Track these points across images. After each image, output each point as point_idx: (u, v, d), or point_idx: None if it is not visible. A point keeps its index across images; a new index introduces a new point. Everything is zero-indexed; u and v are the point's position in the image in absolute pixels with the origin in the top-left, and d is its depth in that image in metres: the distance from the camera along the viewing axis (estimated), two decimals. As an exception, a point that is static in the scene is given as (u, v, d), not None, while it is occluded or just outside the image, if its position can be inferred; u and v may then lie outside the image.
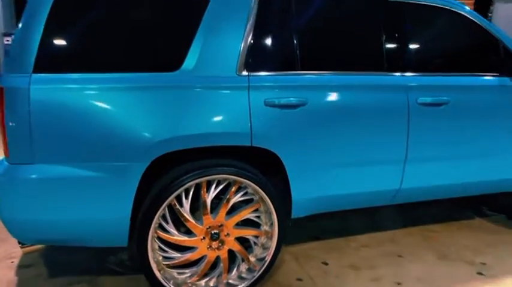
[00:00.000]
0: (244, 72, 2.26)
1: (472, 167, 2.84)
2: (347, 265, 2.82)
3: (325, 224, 3.32)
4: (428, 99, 2.59)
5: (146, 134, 2.08)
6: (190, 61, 2.18)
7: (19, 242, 2.25)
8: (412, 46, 2.69)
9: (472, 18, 2.83)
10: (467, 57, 2.85)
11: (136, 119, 2.08)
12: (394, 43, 2.60)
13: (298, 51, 2.38)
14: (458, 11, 2.80)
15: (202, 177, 2.20)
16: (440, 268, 2.81)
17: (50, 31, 2.02)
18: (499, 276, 2.72)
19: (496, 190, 3.09)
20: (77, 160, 2.04)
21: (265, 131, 2.27)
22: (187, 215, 2.26)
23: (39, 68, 2.00)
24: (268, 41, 2.36)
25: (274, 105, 2.28)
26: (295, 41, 2.38)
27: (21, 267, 2.73)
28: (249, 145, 2.25)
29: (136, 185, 2.11)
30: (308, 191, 2.46)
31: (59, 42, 2.06)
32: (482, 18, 2.88)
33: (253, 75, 2.28)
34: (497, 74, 2.83)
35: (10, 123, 1.97)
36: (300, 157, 2.37)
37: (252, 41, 2.29)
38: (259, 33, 2.31)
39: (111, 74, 2.08)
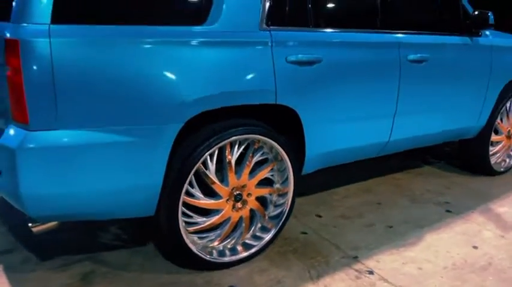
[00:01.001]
0: (266, 28, 2.20)
1: (444, 118, 3.18)
2: (338, 215, 2.99)
3: (308, 181, 3.44)
4: (416, 57, 2.80)
5: (181, 92, 1.93)
6: (213, 16, 2.06)
7: (30, 221, 1.96)
8: (400, 6, 2.86)
9: None
10: (437, 17, 3.13)
11: (169, 76, 1.92)
12: (387, 3, 2.73)
13: (311, 9, 2.38)
14: None
15: (231, 137, 2.13)
16: (416, 210, 3.13)
17: None
18: (463, 211, 3.13)
19: (456, 137, 3.51)
20: (105, 124, 1.83)
21: (287, 88, 2.26)
22: (214, 178, 2.18)
23: (58, 17, 1.72)
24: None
25: (293, 62, 2.27)
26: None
27: (2, 253, 2.38)
28: (274, 102, 2.23)
29: (170, 149, 1.97)
30: (319, 147, 2.53)
31: None
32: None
33: (274, 31, 2.23)
34: (459, 33, 3.17)
35: (29, 83, 1.68)
36: (314, 113, 2.41)
37: None
38: None
39: (137, 26, 1.88)
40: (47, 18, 1.70)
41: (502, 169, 3.86)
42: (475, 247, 2.65)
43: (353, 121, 2.63)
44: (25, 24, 1.69)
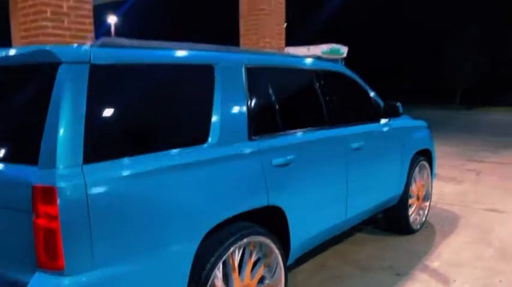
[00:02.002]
0: (253, 137, 2.43)
1: (378, 192, 3.68)
2: (310, 296, 3.17)
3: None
4: (357, 145, 3.27)
5: (202, 210, 2.03)
6: (214, 134, 2.23)
7: None
8: (338, 104, 3.34)
9: (355, 79, 3.70)
10: (360, 110, 3.70)
11: (189, 198, 2.00)
12: (329, 102, 3.19)
13: (279, 115, 2.69)
14: (345, 73, 3.62)
15: (237, 243, 2.23)
16: (369, 279, 3.47)
17: (94, 113, 1.76)
18: (408, 271, 3.56)
19: (387, 206, 4.02)
20: (137, 253, 1.80)
21: (275, 189, 2.47)
22: (222, 282, 2.23)
23: (89, 156, 1.72)
24: (262, 108, 2.59)
25: (277, 165, 2.51)
26: (276, 107, 2.68)
27: None
28: (266, 204, 2.41)
29: (191, 264, 2.00)
30: (301, 236, 2.74)
31: (105, 124, 1.80)
32: (356, 76, 3.78)
33: (258, 139, 2.46)
34: (377, 121, 3.77)
35: (67, 228, 1.62)
36: (295, 207, 2.64)
37: (251, 108, 2.47)
38: (253, 102, 2.52)
39: (157, 153, 1.95)
40: (80, 159, 1.69)
41: (418, 227, 4.50)
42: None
43: (321, 207, 2.93)
44: (58, 169, 1.65)
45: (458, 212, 5.16)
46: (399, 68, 35.69)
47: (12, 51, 1.96)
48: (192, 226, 2.01)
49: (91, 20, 4.74)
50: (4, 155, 1.83)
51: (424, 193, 4.61)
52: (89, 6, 4.70)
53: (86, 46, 1.89)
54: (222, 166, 2.21)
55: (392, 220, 4.35)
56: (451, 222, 4.77)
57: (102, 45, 1.93)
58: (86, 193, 1.67)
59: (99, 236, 1.70)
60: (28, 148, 1.76)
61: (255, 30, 7.16)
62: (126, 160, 1.83)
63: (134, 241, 1.80)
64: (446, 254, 3.90)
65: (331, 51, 8.52)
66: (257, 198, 2.37)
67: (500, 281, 3.38)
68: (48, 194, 1.62)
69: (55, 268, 1.64)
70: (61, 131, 1.67)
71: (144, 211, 1.84)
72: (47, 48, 1.80)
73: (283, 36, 7.52)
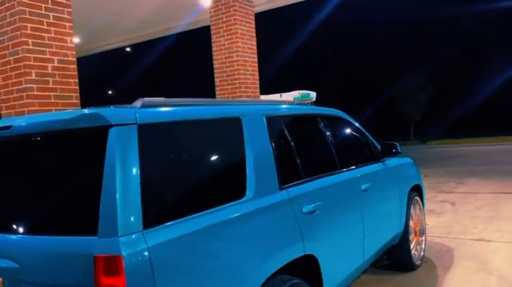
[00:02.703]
0: (283, 187, 2.43)
1: (385, 230, 3.74)
2: None
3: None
4: (365, 186, 3.34)
5: (253, 267, 1.98)
6: (250, 186, 2.22)
7: None
8: (345, 147, 3.43)
9: (353, 121, 3.84)
10: (362, 152, 3.81)
11: (241, 254, 1.96)
12: (338, 146, 3.27)
13: (300, 162, 2.72)
14: (344, 117, 3.75)
15: None
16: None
17: (147, 175, 1.71)
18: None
19: (391, 244, 4.06)
20: None
21: (308, 238, 2.46)
22: None
23: (147, 221, 1.65)
24: (285, 156, 2.62)
25: (306, 213, 2.51)
26: (296, 154, 2.71)
27: None
28: (303, 254, 2.39)
29: None
30: (332, 282, 2.71)
31: (158, 186, 1.75)
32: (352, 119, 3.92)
33: (288, 188, 2.47)
34: (376, 161, 3.89)
35: None
36: (326, 254, 2.63)
37: (277, 157, 2.49)
38: (277, 151, 2.54)
39: (207, 210, 1.92)
40: (140, 224, 1.63)
41: (419, 262, 4.56)
42: None
43: (346, 250, 2.94)
44: (121, 236, 1.58)
45: (449, 244, 5.29)
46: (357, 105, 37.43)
47: (50, 117, 1.90)
48: (244, 283, 1.96)
49: (76, 80, 4.67)
50: (56, 228, 1.73)
51: (419, 227, 4.72)
52: (74, 66, 4.64)
53: (130, 107, 1.87)
54: (262, 218, 2.20)
55: (396, 258, 4.39)
56: (446, 255, 4.88)
57: (143, 106, 1.91)
58: (150, 259, 1.59)
59: None
60: (83, 217, 1.68)
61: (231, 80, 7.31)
62: (180, 220, 1.78)
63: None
64: (455, 286, 3.97)
65: (302, 97, 8.77)
66: (295, 248, 2.35)
67: None
68: (113, 264, 1.53)
69: None
70: (119, 197, 1.61)
71: (201, 269, 1.79)
72: (97, 111, 1.76)
73: (257, 85, 7.71)
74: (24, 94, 4.32)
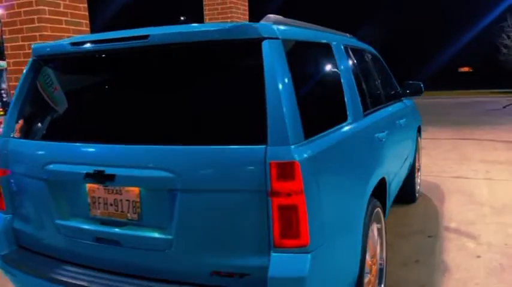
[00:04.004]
0: (365, 114, 2.62)
1: (409, 158, 4.07)
2: None
3: None
4: (400, 121, 3.59)
5: (370, 173, 2.38)
6: (349, 112, 2.37)
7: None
8: (384, 82, 3.61)
9: (381, 58, 4.01)
10: (392, 87, 4.01)
11: (363, 162, 2.32)
12: (382, 81, 3.45)
13: (367, 93, 2.87)
14: (375, 52, 3.90)
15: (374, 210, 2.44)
16: (410, 242, 3.82)
17: (297, 87, 1.78)
18: (439, 234, 4.00)
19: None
20: (340, 216, 1.94)
21: (383, 161, 2.68)
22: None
23: (306, 131, 1.75)
24: (359, 86, 2.75)
25: (379, 139, 2.72)
26: (363, 85, 2.84)
27: None
28: (382, 175, 2.62)
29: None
30: (390, 201, 3.06)
31: (305, 97, 1.82)
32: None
33: (367, 116, 2.65)
34: (399, 99, 4.12)
35: (311, 202, 1.64)
36: (390, 175, 2.93)
37: (359, 86, 2.67)
38: (356, 80, 2.67)
39: (334, 129, 2.13)
40: (302, 134, 1.71)
41: (417, 195, 5.01)
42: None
43: (397, 173, 3.30)
44: (293, 144, 1.65)
45: (435, 181, 5.83)
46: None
47: (202, 27, 1.86)
48: (365, 186, 2.22)
49: (85, 5, 4.35)
50: (220, 138, 1.76)
51: (419, 163, 5.14)
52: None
53: (268, 23, 1.87)
54: (361, 141, 2.35)
55: (404, 189, 4.76)
56: (435, 190, 5.39)
57: (275, 23, 1.92)
58: (313, 165, 1.70)
59: (325, 205, 1.75)
60: (248, 127, 1.72)
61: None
62: (322, 134, 1.90)
63: (339, 203, 1.90)
64: (455, 215, 4.44)
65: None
66: (379, 171, 2.54)
67: (506, 244, 3.98)
68: (288, 169, 1.61)
69: (297, 246, 1.65)
70: (286, 107, 1.67)
71: (341, 176, 1.97)
72: (249, 24, 1.75)
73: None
74: (35, 17, 3.97)
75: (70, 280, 1.96)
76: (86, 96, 2.20)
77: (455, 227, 4.14)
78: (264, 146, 1.66)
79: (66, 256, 2.11)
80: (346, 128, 2.19)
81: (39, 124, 2.29)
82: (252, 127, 1.71)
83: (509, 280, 3.11)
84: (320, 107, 2.06)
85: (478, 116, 13.19)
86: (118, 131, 1.98)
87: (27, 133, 2.26)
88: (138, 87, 2.03)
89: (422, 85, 4.15)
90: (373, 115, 2.78)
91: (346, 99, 2.34)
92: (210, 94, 1.85)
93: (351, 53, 2.79)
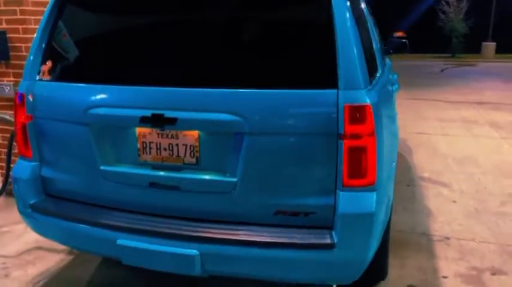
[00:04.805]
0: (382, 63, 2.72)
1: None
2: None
3: None
4: (391, 76, 3.76)
5: None
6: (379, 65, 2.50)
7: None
8: (379, 35, 3.75)
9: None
10: (382, 42, 4.17)
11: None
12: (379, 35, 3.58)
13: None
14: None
15: None
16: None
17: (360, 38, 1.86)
18: (415, 183, 4.34)
19: None
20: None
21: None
22: None
23: (369, 77, 1.86)
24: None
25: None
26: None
27: None
28: None
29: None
30: None
31: (364, 47, 1.91)
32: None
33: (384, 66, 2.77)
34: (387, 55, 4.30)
35: (379, 144, 1.76)
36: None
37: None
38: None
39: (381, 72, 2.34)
40: (368, 81, 1.81)
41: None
42: None
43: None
44: (364, 89, 1.74)
45: (402, 136, 6.19)
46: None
47: None
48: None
49: None
50: (292, 82, 1.79)
51: (390, 121, 5.46)
52: None
53: None
54: (388, 87, 2.52)
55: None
56: (404, 144, 5.76)
57: None
58: (379, 110, 1.82)
59: (384, 147, 1.86)
60: (320, 71, 1.77)
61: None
62: (376, 79, 2.02)
63: (388, 145, 2.03)
64: (426, 166, 4.83)
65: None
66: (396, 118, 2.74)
67: (479, 179, 4.43)
68: (361, 112, 1.70)
69: (364, 185, 1.77)
70: (357, 54, 1.74)
71: (388, 119, 2.09)
72: None
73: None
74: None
75: (123, 224, 1.94)
76: (141, 34, 2.07)
77: (428, 177, 4.52)
78: (335, 90, 1.72)
79: (109, 202, 2.08)
80: (382, 77, 2.31)
81: (77, 65, 2.15)
82: (323, 71, 1.76)
83: (486, 220, 3.51)
84: (369, 56, 2.14)
85: (421, 79, 13.95)
86: (179, 74, 1.93)
87: (59, 75, 2.13)
88: (206, 26, 1.96)
89: (407, 42, 4.32)
90: (385, 68, 2.91)
91: (376, 49, 2.45)
92: (281, 38, 1.86)
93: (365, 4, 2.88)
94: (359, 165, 1.74)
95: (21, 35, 3.72)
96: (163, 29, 2.03)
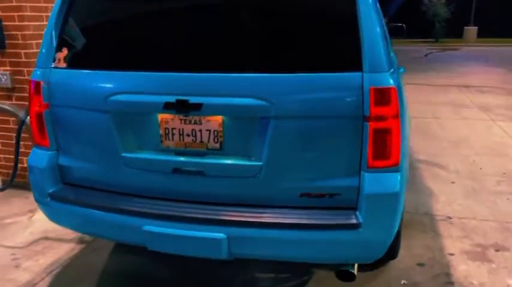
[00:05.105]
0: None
1: None
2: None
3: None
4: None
5: None
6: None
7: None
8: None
9: None
10: None
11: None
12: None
13: None
14: None
15: None
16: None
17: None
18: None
19: None
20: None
21: None
22: None
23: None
24: None
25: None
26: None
27: None
28: None
29: None
30: None
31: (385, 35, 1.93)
32: None
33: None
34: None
35: (402, 125, 1.81)
36: None
37: None
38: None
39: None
40: (388, 65, 1.83)
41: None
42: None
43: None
44: (388, 72, 1.78)
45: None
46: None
47: None
48: None
49: None
50: (317, 65, 1.81)
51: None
52: None
53: None
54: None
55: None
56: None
57: None
58: (401, 92, 1.86)
59: (404, 129, 1.90)
60: (344, 54, 1.80)
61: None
62: (392, 61, 2.03)
63: (406, 127, 2.04)
64: (421, 149, 4.93)
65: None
66: None
67: (474, 160, 4.55)
68: (386, 94, 1.74)
69: (388, 166, 1.82)
70: (381, 36, 1.78)
71: (404, 102, 2.08)
72: None
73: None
74: None
75: (149, 210, 1.95)
76: (165, 18, 2.03)
77: (425, 159, 4.62)
78: (359, 73, 1.75)
79: (131, 188, 2.08)
80: (395, 61, 2.34)
81: (97, 52, 2.12)
82: (347, 55, 1.79)
83: (485, 199, 3.63)
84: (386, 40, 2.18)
85: (405, 64, 14.12)
86: (203, 59, 1.93)
87: (77, 62, 2.09)
88: (231, 10, 1.95)
89: (404, 26, 4.36)
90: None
91: (387, 33, 2.48)
92: (306, 22, 1.87)
93: None
94: (384, 147, 1.78)
95: (17, 23, 3.63)
96: (189, 13, 2.01)
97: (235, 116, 1.89)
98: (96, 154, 2.10)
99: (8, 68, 3.76)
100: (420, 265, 2.72)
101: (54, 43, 2.10)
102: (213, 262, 2.45)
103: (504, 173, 4.20)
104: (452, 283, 2.55)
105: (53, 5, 2.11)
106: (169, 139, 1.98)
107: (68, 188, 2.20)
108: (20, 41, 3.66)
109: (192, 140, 1.95)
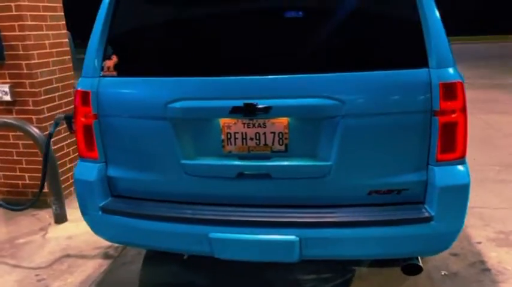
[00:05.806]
0: None
1: None
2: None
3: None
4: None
5: None
6: None
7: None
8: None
9: None
10: None
11: None
12: None
13: None
14: None
15: None
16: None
17: None
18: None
19: None
20: None
21: None
22: None
23: None
24: None
25: None
26: None
27: None
28: None
29: None
30: None
31: None
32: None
33: None
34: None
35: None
36: None
37: None
38: None
39: None
40: (453, 60, 1.89)
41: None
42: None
43: None
44: (450, 68, 1.83)
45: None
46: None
47: None
48: None
49: None
50: (383, 63, 1.84)
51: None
52: None
53: None
54: None
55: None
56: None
57: None
58: (462, 85, 1.89)
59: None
60: (409, 51, 1.86)
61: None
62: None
63: None
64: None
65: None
66: None
67: (474, 159, 4.74)
68: (454, 89, 1.81)
69: (455, 158, 1.88)
70: (445, 33, 1.84)
71: None
72: None
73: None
74: None
75: (214, 217, 1.91)
76: (228, 20, 1.99)
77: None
78: (426, 69, 1.80)
79: (191, 196, 2.02)
80: None
81: (152, 59, 2.05)
82: (412, 52, 1.84)
83: (492, 188, 3.80)
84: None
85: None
86: (267, 62, 1.91)
87: (130, 71, 2.02)
88: (297, 11, 1.94)
89: None
90: None
91: None
92: (372, 21, 1.90)
93: None
94: (452, 140, 1.84)
95: (17, 33, 3.46)
96: (254, 15, 1.99)
97: (302, 117, 1.89)
98: (152, 162, 2.03)
99: (8, 80, 3.57)
100: (454, 255, 2.82)
101: (101, 51, 2.02)
102: (255, 265, 2.43)
103: (500, 162, 4.41)
104: (488, 269, 2.65)
105: (100, 5, 2.03)
106: (231, 144, 1.95)
107: (119, 200, 2.12)
108: (21, 52, 3.49)
109: (256, 143, 1.94)
